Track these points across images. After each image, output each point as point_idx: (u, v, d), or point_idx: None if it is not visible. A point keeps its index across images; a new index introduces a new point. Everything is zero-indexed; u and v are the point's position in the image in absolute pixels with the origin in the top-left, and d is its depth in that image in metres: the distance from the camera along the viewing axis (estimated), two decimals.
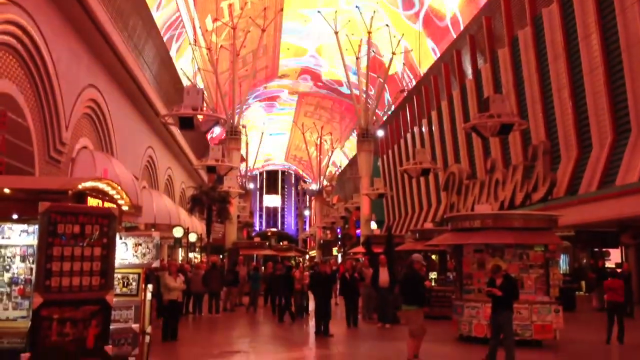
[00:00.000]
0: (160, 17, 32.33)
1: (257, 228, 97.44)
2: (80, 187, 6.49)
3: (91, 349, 5.78)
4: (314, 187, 78.00)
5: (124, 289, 7.03)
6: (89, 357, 5.77)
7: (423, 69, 40.60)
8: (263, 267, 24.07)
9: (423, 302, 9.71)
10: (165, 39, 33.68)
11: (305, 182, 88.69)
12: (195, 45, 39.23)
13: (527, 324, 11.47)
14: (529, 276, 11.94)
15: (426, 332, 9.69)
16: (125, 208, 7.59)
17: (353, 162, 56.23)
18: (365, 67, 39.69)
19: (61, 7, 16.93)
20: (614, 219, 18.88)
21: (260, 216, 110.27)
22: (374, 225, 40.82)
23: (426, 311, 10.08)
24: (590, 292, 22.01)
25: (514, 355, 9.39)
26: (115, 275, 6.42)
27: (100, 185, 6.99)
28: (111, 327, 6.17)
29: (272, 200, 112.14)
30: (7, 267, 6.31)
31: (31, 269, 6.18)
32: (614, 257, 23.37)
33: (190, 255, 36.17)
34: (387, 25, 40.09)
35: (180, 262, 26.65)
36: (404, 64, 44.86)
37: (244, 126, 47.30)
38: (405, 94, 45.77)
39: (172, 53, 36.24)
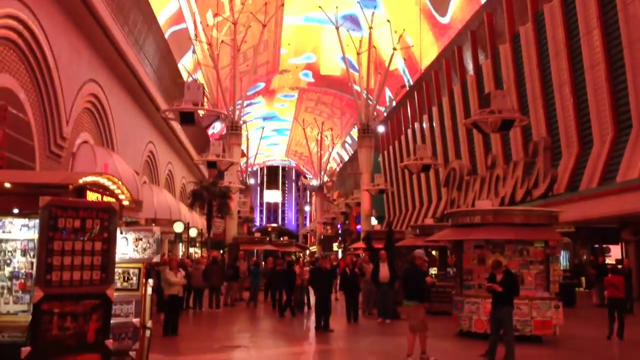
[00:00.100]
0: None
1: (257, 223, 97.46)
2: (81, 181, 6.48)
3: (92, 343, 5.78)
4: (315, 182, 78.02)
5: (125, 284, 7.03)
6: (90, 351, 5.77)
7: (425, 63, 40.51)
8: (263, 263, 24.12)
9: (424, 297, 9.71)
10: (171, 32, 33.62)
11: (305, 177, 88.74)
12: (196, 40, 39.18)
13: (527, 320, 11.48)
14: (529, 272, 11.95)
15: (428, 328, 9.70)
16: (125, 203, 7.57)
17: (354, 158, 56.21)
18: (366, 62, 39.64)
19: (62, 2, 16.90)
20: (615, 215, 18.89)
21: (261, 211, 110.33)
22: (374, 221, 40.82)
23: (426, 307, 10.07)
24: (590, 288, 22.01)
25: (513, 350, 9.41)
26: (116, 269, 6.42)
27: (101, 180, 6.98)
28: (112, 321, 6.17)
29: (272, 196, 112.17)
30: (8, 261, 6.31)
31: (32, 263, 6.18)
32: (614, 253, 23.36)
33: (191, 250, 36.20)
34: (388, 21, 40.01)
35: (180, 257, 26.69)
36: (404, 59, 44.80)
37: (244, 122, 47.29)
38: (406, 89, 45.73)
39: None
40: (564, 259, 24.49)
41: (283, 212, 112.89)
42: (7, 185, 6.12)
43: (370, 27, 38.59)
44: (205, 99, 22.20)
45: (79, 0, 17.39)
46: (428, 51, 39.76)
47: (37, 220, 5.85)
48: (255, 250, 29.07)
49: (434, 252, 18.68)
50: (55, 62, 16.48)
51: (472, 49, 31.44)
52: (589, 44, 21.39)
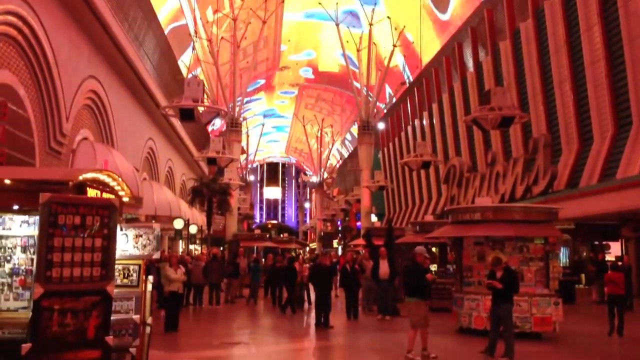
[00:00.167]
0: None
1: (257, 220, 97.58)
2: (81, 178, 6.47)
3: (92, 340, 5.79)
4: (315, 179, 78.02)
5: (125, 280, 7.04)
6: (90, 347, 5.78)
7: (426, 60, 40.46)
8: (263, 259, 24.11)
9: (425, 294, 9.70)
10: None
11: (305, 174, 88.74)
12: (196, 36, 39.12)
13: (527, 317, 11.49)
14: (529, 269, 11.95)
15: (429, 325, 9.71)
16: (125, 199, 7.58)
17: (354, 155, 56.21)
18: (366, 59, 39.60)
19: None
20: (615, 212, 18.88)
21: (261, 208, 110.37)
22: (374, 217, 40.86)
23: (428, 303, 10.06)
24: (590, 285, 22.05)
25: (513, 347, 9.43)
26: (116, 266, 6.43)
27: (101, 176, 6.98)
28: (112, 318, 6.18)
29: (272, 193, 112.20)
30: (8, 257, 6.32)
31: (32, 259, 6.19)
32: (614, 250, 23.39)
33: (191, 247, 36.22)
34: (388, 17, 39.96)
35: (180, 254, 26.70)
36: (404, 56, 44.75)
37: (244, 118, 47.25)
38: (406, 86, 45.69)
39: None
40: (563, 255, 24.51)
41: (283, 209, 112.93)
42: (7, 181, 6.11)
43: (371, 24, 38.54)
44: (205, 96, 22.17)
45: None
46: (429, 47, 39.69)
47: (37, 217, 5.86)
48: (255, 247, 29.10)
49: (434, 249, 18.69)
50: (55, 59, 16.46)
51: (472, 46, 31.40)
52: (590, 40, 21.36)
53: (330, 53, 55.37)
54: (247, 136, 63.20)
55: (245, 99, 49.69)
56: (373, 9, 38.81)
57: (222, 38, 39.08)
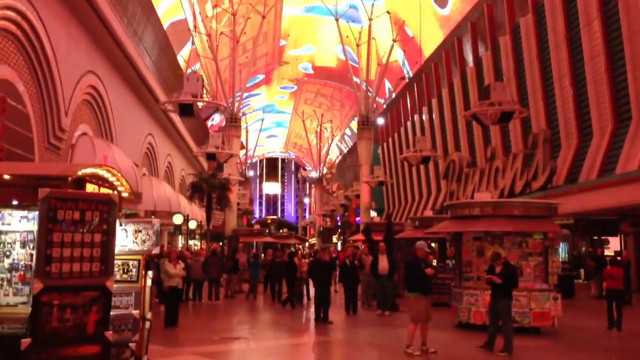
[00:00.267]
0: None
1: (256, 215, 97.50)
2: (80, 173, 6.47)
3: (91, 335, 5.80)
4: (314, 174, 78.02)
5: (124, 276, 7.05)
6: (89, 343, 5.79)
7: (427, 54, 40.38)
8: (263, 255, 24.14)
9: (425, 289, 9.69)
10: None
11: (305, 169, 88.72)
12: (195, 31, 39.05)
13: (526, 312, 11.51)
14: (528, 264, 11.97)
15: (430, 320, 9.72)
16: (125, 195, 7.58)
17: (353, 150, 56.20)
18: (366, 54, 39.55)
19: None
20: (614, 207, 18.91)
21: (260, 204, 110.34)
22: (373, 213, 40.86)
23: (429, 298, 10.02)
24: (589, 280, 22.07)
25: (512, 342, 9.45)
26: (116, 261, 6.44)
27: (100, 171, 6.97)
28: (111, 313, 6.19)
29: (272, 188, 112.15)
30: (8, 253, 6.32)
31: (31, 255, 6.19)
32: (613, 245, 23.42)
33: (190, 242, 36.24)
34: (388, 12, 39.89)
35: (180, 249, 26.71)
36: (404, 51, 44.68)
37: (243, 114, 47.23)
38: (406, 81, 45.65)
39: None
40: (562, 250, 24.56)
41: (282, 204, 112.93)
42: (6, 177, 6.11)
43: (370, 19, 38.47)
44: (205, 91, 22.14)
45: None
46: (430, 41, 39.60)
47: (37, 212, 5.86)
48: (254, 242, 29.12)
49: (433, 244, 18.72)
50: (53, 54, 16.42)
51: (472, 41, 31.37)
52: (589, 35, 21.34)
53: (329, 48, 55.28)
54: (247, 131, 63.18)
55: (245, 94, 49.66)
56: (373, 4, 38.74)
57: (221, 33, 39.01)
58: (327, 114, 69.20)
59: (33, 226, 6.17)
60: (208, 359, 9.51)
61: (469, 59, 32.05)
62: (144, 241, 7.00)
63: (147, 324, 7.38)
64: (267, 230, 35.67)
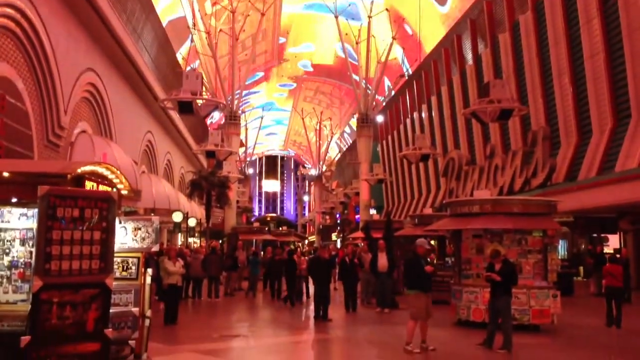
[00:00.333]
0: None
1: (256, 213, 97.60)
2: (79, 170, 6.46)
3: (91, 333, 5.80)
4: (313, 172, 78.02)
5: (124, 273, 7.05)
6: (89, 340, 5.78)
7: (427, 50, 40.34)
8: (262, 252, 24.14)
9: (425, 286, 9.67)
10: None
11: (304, 167, 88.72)
12: (195, 29, 38.98)
13: (525, 309, 11.52)
14: (528, 261, 11.98)
15: (431, 317, 9.72)
16: (124, 192, 7.57)
17: (352, 148, 56.20)
18: (365, 52, 39.50)
19: None
20: (613, 204, 18.92)
21: (260, 201, 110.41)
22: (373, 210, 40.88)
23: (429, 296, 9.99)
24: (588, 277, 22.11)
25: (511, 339, 9.46)
26: (115, 259, 6.43)
27: (100, 169, 6.96)
28: (111, 310, 6.19)
29: (271, 186, 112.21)
30: (7, 250, 6.31)
31: (31, 252, 6.18)
32: (612, 242, 23.47)
33: (190, 240, 36.25)
34: (387, 9, 39.84)
35: (179, 246, 26.71)
36: (403, 48, 44.64)
37: (243, 111, 47.21)
38: (405, 79, 45.62)
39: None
40: (562, 248, 24.59)
41: (282, 201, 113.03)
42: (6, 174, 6.10)
43: (370, 16, 38.43)
44: (204, 89, 22.13)
45: None
46: (430, 39, 39.56)
47: (36, 210, 5.85)
48: (254, 240, 29.13)
49: (432, 242, 18.72)
50: (53, 51, 16.39)
51: (471, 38, 31.35)
52: (589, 32, 21.33)
53: (329, 46, 55.24)
54: (246, 129, 63.14)
55: (244, 92, 49.60)
56: (372, 1, 38.69)
57: (220, 30, 38.94)
58: (326, 111, 69.17)
59: (32, 224, 6.16)
60: (208, 357, 9.52)
61: (469, 56, 32.04)
62: (143, 239, 7.00)
63: (147, 322, 7.37)
64: (266, 228, 35.69)
